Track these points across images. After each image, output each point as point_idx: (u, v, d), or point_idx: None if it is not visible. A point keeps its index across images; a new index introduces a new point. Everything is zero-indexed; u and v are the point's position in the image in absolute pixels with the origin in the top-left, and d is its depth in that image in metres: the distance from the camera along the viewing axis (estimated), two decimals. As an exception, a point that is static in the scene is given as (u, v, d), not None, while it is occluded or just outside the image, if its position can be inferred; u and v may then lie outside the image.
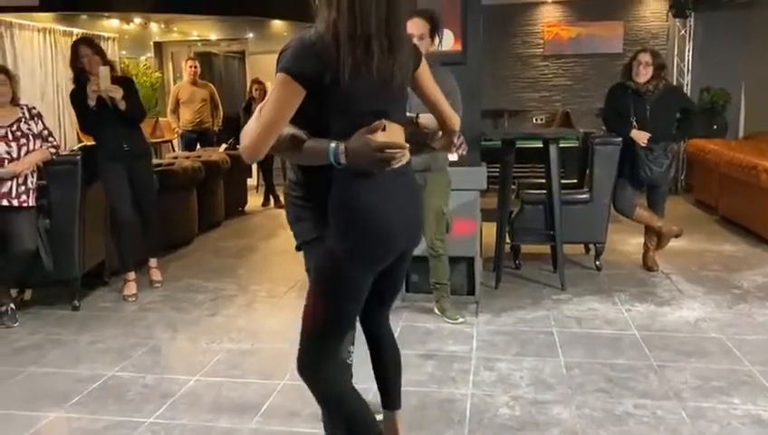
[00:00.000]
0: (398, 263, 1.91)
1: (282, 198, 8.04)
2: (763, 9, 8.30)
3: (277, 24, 9.73)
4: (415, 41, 3.40)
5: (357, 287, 1.83)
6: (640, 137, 4.58)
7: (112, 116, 4.21)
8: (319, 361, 1.90)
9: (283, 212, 7.76)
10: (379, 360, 2.17)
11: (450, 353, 3.38)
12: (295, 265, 5.34)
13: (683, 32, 8.77)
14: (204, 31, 10.10)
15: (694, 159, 7.61)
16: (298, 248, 2.05)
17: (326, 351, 1.91)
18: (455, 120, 2.04)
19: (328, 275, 1.82)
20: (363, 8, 1.64)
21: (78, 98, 4.25)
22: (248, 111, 7.90)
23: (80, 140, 8.08)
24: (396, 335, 3.49)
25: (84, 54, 4.22)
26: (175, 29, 9.95)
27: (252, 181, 8.56)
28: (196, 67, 7.84)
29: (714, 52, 8.61)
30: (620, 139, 4.65)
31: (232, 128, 8.29)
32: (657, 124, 4.61)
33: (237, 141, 7.84)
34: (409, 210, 1.86)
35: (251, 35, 9.92)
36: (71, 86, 4.42)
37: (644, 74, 4.62)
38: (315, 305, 1.86)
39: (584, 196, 4.78)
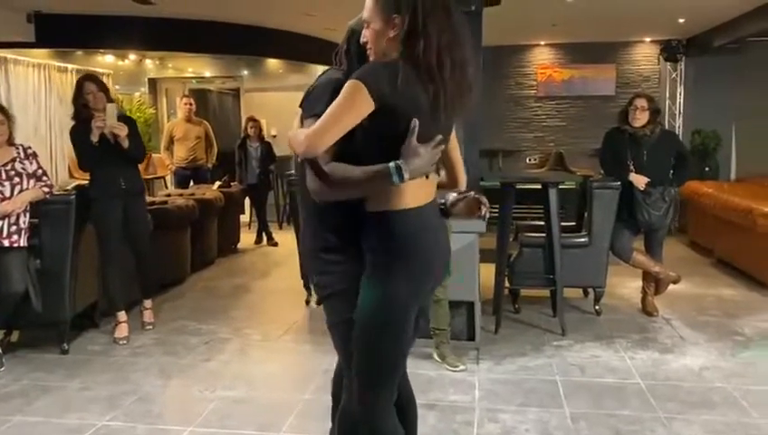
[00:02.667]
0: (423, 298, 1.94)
1: (274, 236, 7.98)
2: (751, 54, 8.47)
3: (272, 63, 9.79)
4: None
5: (411, 318, 1.86)
6: (639, 181, 4.58)
7: (112, 154, 4.17)
8: (383, 407, 1.92)
9: (276, 250, 7.71)
10: (400, 411, 2.09)
11: (452, 404, 3.29)
12: (289, 307, 5.31)
13: (674, 75, 8.91)
14: (199, 68, 10.13)
15: (688, 202, 7.63)
16: (320, 302, 2.01)
17: (388, 397, 1.92)
18: (462, 179, 2.09)
19: (385, 315, 1.83)
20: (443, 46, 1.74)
21: (80, 134, 4.20)
22: (243, 148, 7.90)
23: (71, 176, 8.04)
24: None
25: (89, 91, 4.20)
26: (170, 65, 9.98)
27: (244, 218, 8.48)
28: (191, 104, 7.83)
29: (704, 95, 8.74)
30: (619, 183, 4.64)
31: (226, 165, 8.28)
32: (654, 168, 4.61)
33: (232, 178, 7.86)
34: (443, 239, 1.91)
35: (246, 73, 9.97)
36: (66, 122, 4.38)
37: (640, 119, 4.64)
38: (373, 350, 1.86)
39: (583, 239, 4.74)
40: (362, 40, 1.85)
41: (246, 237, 7.97)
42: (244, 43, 8.41)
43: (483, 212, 1.99)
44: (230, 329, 4.57)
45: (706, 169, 8.54)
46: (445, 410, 3.21)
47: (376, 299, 1.82)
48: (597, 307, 4.84)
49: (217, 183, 7.53)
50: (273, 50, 8.96)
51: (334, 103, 1.70)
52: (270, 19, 7.76)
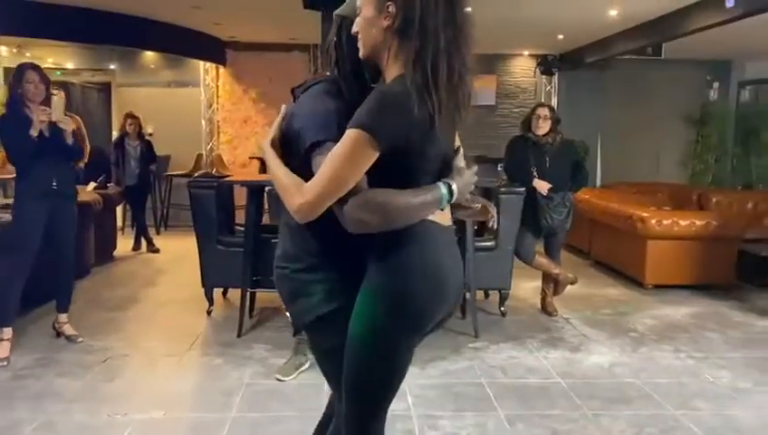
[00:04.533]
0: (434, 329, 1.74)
1: (155, 241, 7.46)
2: (615, 71, 9.22)
3: (147, 56, 9.20)
4: None
5: (411, 351, 1.66)
6: (542, 186, 4.77)
7: (48, 149, 3.80)
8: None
9: (158, 257, 7.20)
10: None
11: (390, 412, 3.19)
12: (189, 318, 4.95)
13: (549, 88, 9.47)
14: (62, 58, 9.27)
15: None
16: (299, 331, 1.82)
17: (380, 427, 1.76)
18: None
19: (387, 342, 1.62)
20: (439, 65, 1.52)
21: (12, 124, 3.77)
22: (121, 147, 7.31)
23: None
24: (326, 395, 3.29)
25: (31, 80, 3.79)
26: (28, 54, 9.03)
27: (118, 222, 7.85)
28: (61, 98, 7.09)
29: (575, 107, 9.37)
30: (524, 188, 4.80)
31: (98, 164, 7.60)
32: (555, 175, 4.82)
33: (108, 179, 7.23)
34: (460, 269, 1.71)
35: (116, 66, 9.26)
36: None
37: (543, 127, 4.85)
38: (371, 380, 1.66)
39: (490, 243, 4.86)
40: (353, 29, 1.64)
41: (122, 244, 7.38)
42: (116, 33, 7.78)
43: (491, 223, 1.90)
44: (127, 344, 4.18)
45: (578, 176, 9.14)
46: (384, 420, 3.12)
47: (379, 334, 1.61)
48: (502, 308, 4.98)
49: (92, 184, 6.89)
50: (150, 42, 8.39)
51: (334, 159, 1.46)
52: (151, 9, 7.24)
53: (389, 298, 1.60)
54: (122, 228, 8.15)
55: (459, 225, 4.50)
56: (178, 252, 7.25)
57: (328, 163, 1.48)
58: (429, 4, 1.50)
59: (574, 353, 4.16)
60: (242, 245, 4.54)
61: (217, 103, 9.36)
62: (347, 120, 1.51)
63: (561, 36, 7.73)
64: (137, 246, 7.47)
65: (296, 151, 1.63)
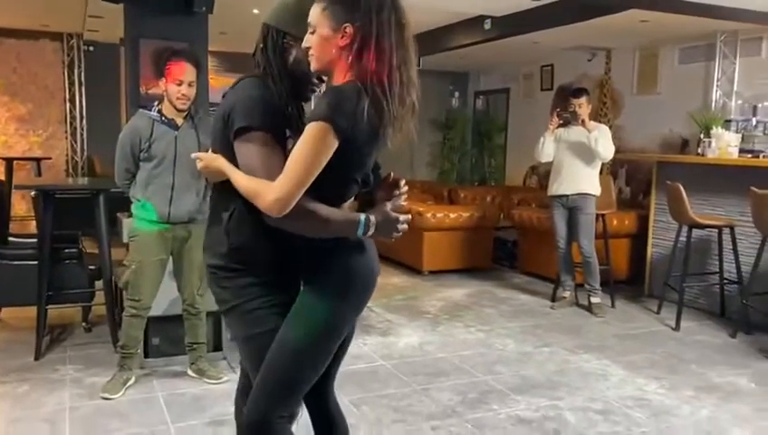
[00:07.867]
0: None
1: None
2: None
3: None
4: (185, 89, 3.26)
5: (338, 341, 1.83)
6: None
7: None
8: (282, 422, 1.84)
9: None
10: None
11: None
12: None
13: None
14: None
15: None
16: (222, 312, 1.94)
17: (289, 409, 1.86)
18: None
19: (323, 340, 1.79)
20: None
21: None
22: None
23: None
24: (162, 408, 3.24)
25: None
26: None
27: None
28: None
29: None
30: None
31: None
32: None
33: None
34: (377, 261, 1.87)
35: None
36: None
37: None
38: (293, 372, 1.78)
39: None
40: (305, 45, 1.73)
41: None
42: None
43: (399, 199, 1.94)
44: None
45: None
46: (234, 423, 3.11)
47: (317, 323, 1.75)
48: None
49: None
50: None
51: (299, 152, 1.59)
52: None
53: (342, 286, 1.77)
54: None
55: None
56: None
57: (295, 157, 1.60)
58: (383, 27, 1.64)
59: (386, 337, 4.54)
60: (27, 257, 4.11)
61: (-56, 95, 7.97)
62: (277, 113, 1.72)
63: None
64: None
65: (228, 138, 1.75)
